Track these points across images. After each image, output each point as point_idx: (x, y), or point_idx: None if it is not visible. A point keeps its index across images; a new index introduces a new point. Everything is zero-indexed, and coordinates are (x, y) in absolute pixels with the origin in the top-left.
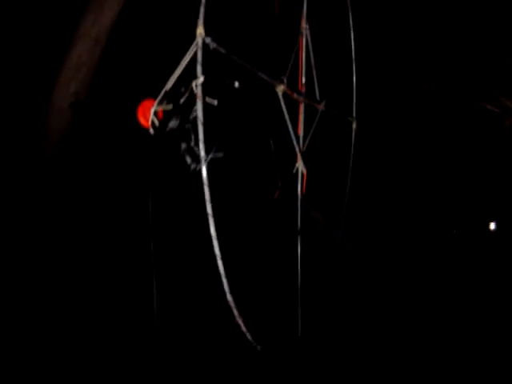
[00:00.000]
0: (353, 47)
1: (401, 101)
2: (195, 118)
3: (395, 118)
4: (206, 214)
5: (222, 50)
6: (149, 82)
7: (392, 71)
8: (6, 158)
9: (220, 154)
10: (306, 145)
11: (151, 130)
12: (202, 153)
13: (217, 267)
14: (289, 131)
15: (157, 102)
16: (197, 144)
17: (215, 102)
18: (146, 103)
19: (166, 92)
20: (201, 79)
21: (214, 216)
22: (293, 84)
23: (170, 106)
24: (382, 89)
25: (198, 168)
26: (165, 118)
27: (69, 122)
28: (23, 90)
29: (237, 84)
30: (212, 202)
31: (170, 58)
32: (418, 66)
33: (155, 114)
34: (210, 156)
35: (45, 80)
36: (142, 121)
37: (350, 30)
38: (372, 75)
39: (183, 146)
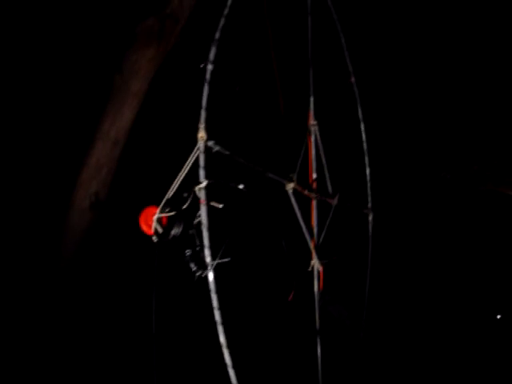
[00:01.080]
0: (364, 138)
1: (419, 189)
2: (199, 224)
3: (414, 207)
4: (215, 323)
5: (226, 152)
6: (153, 186)
7: (408, 160)
8: (28, 256)
9: (227, 259)
10: (320, 241)
11: (154, 238)
12: (208, 259)
13: (228, 378)
14: (301, 228)
15: (159, 209)
16: (202, 250)
17: (220, 206)
18: (148, 210)
19: (168, 199)
20: (204, 183)
21: (224, 324)
22: (303, 180)
23: (172, 213)
24: (399, 178)
25: (203, 275)
26: (168, 224)
27: (89, 223)
28: (46, 191)
29: (242, 186)
30: (221, 309)
31: (174, 162)
32: (434, 153)
33: (158, 220)
34: (216, 262)
35: (66, 180)
36: (144, 228)
37: (359, 122)
38: (387, 164)
39: (187, 252)
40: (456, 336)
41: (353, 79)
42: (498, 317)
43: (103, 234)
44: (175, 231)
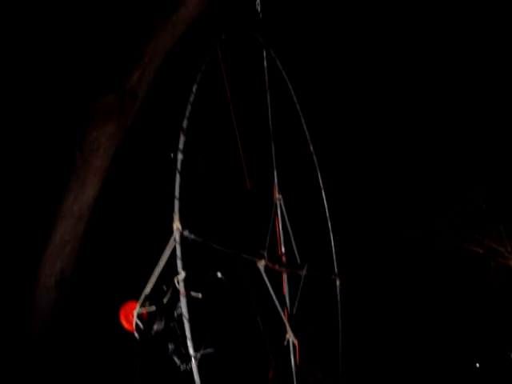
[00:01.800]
0: (326, 209)
1: (385, 247)
2: (180, 316)
3: (380, 266)
4: None
5: (200, 240)
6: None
7: (374, 220)
8: None
9: (210, 350)
10: (293, 312)
11: (136, 334)
12: (191, 351)
13: None
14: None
15: (139, 303)
16: (184, 342)
17: (199, 295)
18: (127, 306)
19: (147, 292)
20: (182, 275)
21: None
22: (273, 252)
23: (153, 307)
24: (364, 239)
25: (188, 368)
26: (149, 319)
27: (55, 301)
28: (10, 270)
29: (219, 274)
30: None
31: (149, 252)
32: (400, 213)
33: (139, 316)
34: (200, 353)
35: (30, 258)
36: (125, 324)
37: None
38: (352, 227)
39: (170, 346)
40: None
41: (311, 148)
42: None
43: (70, 313)
44: (157, 327)
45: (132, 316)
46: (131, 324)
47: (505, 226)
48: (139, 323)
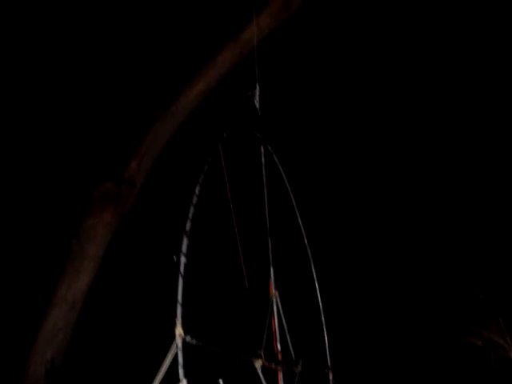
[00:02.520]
0: (319, 297)
1: (382, 340)
2: None
3: (377, 360)
4: None
5: (201, 344)
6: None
7: (371, 312)
8: None
9: None
10: None
11: None
12: None
13: None
14: None
15: None
16: None
17: None
18: None
19: None
20: (184, 383)
21: None
22: (269, 349)
23: None
24: (360, 331)
25: None
26: None
27: None
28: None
29: (221, 382)
30: None
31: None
32: (396, 303)
33: None
34: None
35: (20, 346)
36: None
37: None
38: (347, 318)
39: None
40: None
41: (305, 241)
42: None
43: None
44: None
45: None
46: None
47: (504, 318)
48: None
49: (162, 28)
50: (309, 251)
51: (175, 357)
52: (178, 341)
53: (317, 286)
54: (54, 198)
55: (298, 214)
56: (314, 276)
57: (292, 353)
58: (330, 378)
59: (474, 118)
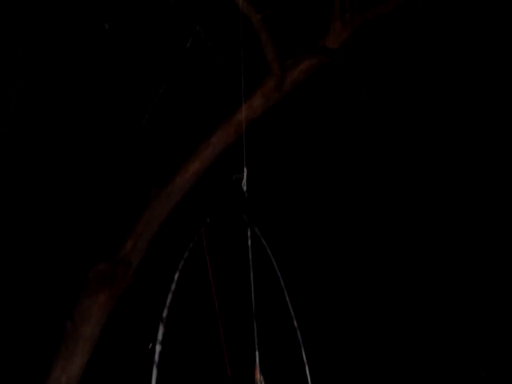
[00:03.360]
0: None
1: None
2: None
3: None
4: None
5: None
6: None
7: None
8: None
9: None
10: None
11: None
12: None
13: None
14: None
15: None
16: None
17: None
18: None
19: None
20: None
21: None
22: None
23: None
24: None
25: None
26: None
27: None
28: None
29: None
30: None
31: None
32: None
33: None
34: None
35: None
36: None
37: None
38: None
39: None
40: None
41: (295, 323)
42: None
43: None
44: None
45: None
46: None
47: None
48: None
49: (158, 109)
50: (298, 334)
51: None
52: None
53: (307, 370)
54: (48, 279)
55: (286, 296)
56: (304, 359)
57: None
58: None
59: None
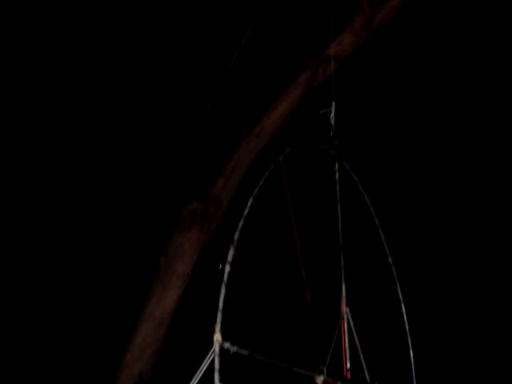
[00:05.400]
0: (405, 320)
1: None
2: None
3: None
4: None
5: (244, 353)
6: None
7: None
8: None
9: None
10: None
11: None
12: None
13: None
14: None
15: None
16: None
17: None
18: None
19: None
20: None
21: None
22: (336, 371)
23: None
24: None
25: None
26: None
27: None
28: (89, 373)
29: None
30: None
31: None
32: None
33: None
34: None
35: (110, 361)
36: None
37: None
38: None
39: None
40: None
41: (390, 259)
42: None
43: None
44: None
45: None
46: None
47: None
48: None
49: (248, 49)
50: (394, 270)
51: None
52: (216, 346)
53: (403, 308)
54: (143, 217)
55: (379, 227)
56: (400, 296)
57: (366, 374)
58: None
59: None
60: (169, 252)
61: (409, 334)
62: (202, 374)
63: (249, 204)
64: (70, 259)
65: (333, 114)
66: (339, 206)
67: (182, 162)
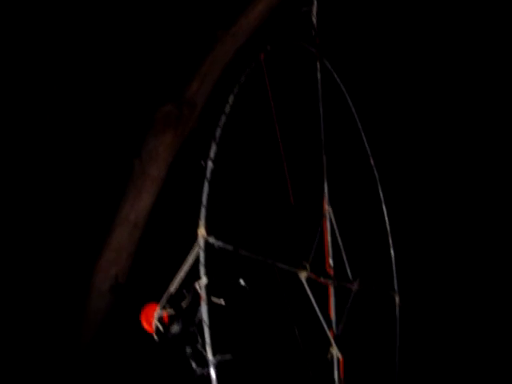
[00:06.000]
0: (386, 220)
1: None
2: (201, 321)
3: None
4: None
5: (230, 248)
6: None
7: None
8: (47, 338)
9: (228, 357)
10: (340, 329)
11: (155, 336)
12: (210, 356)
13: None
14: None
15: (160, 307)
16: (203, 347)
17: (222, 302)
18: (149, 307)
19: (169, 295)
20: (204, 281)
21: None
22: (319, 267)
23: (173, 310)
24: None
25: (205, 373)
26: (170, 322)
27: (108, 306)
28: (65, 274)
29: (242, 282)
30: None
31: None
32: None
33: (159, 319)
34: (217, 359)
35: (85, 264)
36: (145, 326)
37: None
38: (412, 243)
39: (188, 350)
40: None
41: (372, 161)
42: None
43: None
44: (175, 329)
45: (153, 318)
46: (151, 326)
47: None
48: (159, 325)
49: None
50: (375, 171)
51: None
52: (200, 240)
53: (384, 208)
54: (116, 120)
55: (361, 130)
56: (381, 197)
57: (348, 271)
58: (397, 302)
59: None
60: (143, 155)
61: (390, 233)
62: (188, 268)
63: (230, 101)
64: (41, 166)
65: (314, 13)
66: (321, 105)
67: (156, 64)
